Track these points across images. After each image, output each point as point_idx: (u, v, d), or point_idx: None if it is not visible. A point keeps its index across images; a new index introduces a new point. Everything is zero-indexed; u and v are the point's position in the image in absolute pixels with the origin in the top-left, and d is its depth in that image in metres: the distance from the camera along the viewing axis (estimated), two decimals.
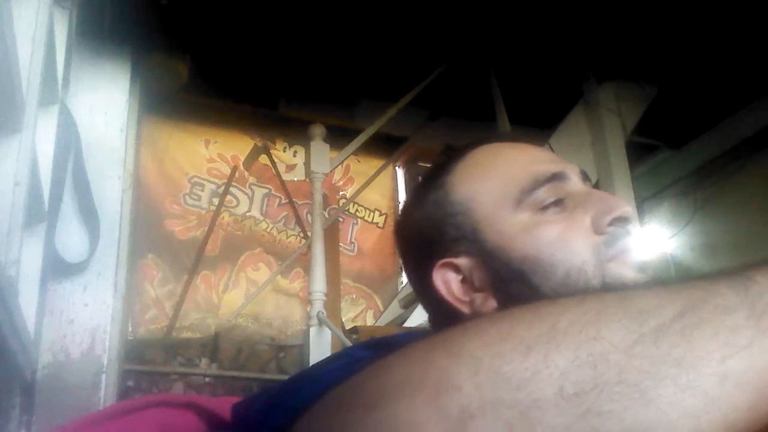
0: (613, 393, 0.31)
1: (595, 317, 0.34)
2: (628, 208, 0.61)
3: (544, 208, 0.61)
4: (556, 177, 0.63)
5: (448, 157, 0.69)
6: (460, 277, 0.63)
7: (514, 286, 0.60)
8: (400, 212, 0.72)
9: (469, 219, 0.63)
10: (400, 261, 0.73)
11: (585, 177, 0.66)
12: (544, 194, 0.62)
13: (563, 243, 0.59)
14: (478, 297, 0.62)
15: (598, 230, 0.60)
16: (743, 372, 0.31)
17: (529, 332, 0.34)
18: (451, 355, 0.33)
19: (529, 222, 0.61)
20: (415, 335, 0.44)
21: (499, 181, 0.64)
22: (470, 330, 0.35)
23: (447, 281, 0.63)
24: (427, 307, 0.69)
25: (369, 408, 0.33)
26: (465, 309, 0.62)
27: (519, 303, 0.59)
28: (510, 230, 0.61)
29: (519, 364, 0.32)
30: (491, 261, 0.61)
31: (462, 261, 0.63)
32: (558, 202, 0.61)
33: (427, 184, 0.69)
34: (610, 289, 0.56)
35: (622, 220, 0.60)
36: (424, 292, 0.65)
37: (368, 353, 0.46)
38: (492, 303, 0.61)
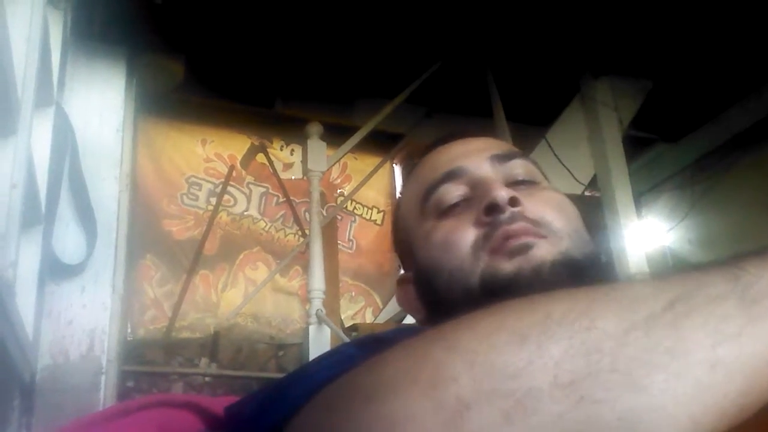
0: (607, 381, 0.31)
1: (588, 307, 0.34)
2: (497, 193, 0.59)
3: (445, 210, 0.62)
4: (449, 176, 0.63)
5: (406, 172, 0.74)
6: (413, 289, 0.66)
7: (426, 293, 0.63)
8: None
9: (405, 234, 0.67)
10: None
11: (499, 159, 0.64)
12: (441, 196, 0.63)
13: (446, 245, 0.60)
14: (422, 306, 0.65)
15: (478, 223, 0.59)
16: (734, 359, 0.32)
17: (522, 323, 0.34)
18: (446, 348, 0.34)
19: (429, 229, 0.63)
20: (406, 332, 0.44)
21: (411, 194, 0.67)
22: (464, 323, 0.36)
23: (406, 293, 0.67)
24: None
25: (365, 401, 0.33)
26: (417, 318, 0.66)
27: (432, 310, 0.62)
28: (418, 240, 0.64)
29: (513, 354, 0.32)
30: (416, 271, 0.65)
31: (410, 274, 0.66)
32: (463, 201, 0.62)
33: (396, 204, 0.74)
34: (486, 284, 0.56)
35: (493, 209, 0.59)
36: None
37: (359, 351, 0.46)
38: (424, 312, 0.64)
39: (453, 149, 0.68)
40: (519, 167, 0.65)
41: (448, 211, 0.62)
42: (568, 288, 0.37)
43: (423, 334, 0.36)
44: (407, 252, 0.67)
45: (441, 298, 0.60)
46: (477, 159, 0.64)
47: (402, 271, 0.72)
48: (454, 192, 0.62)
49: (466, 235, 0.59)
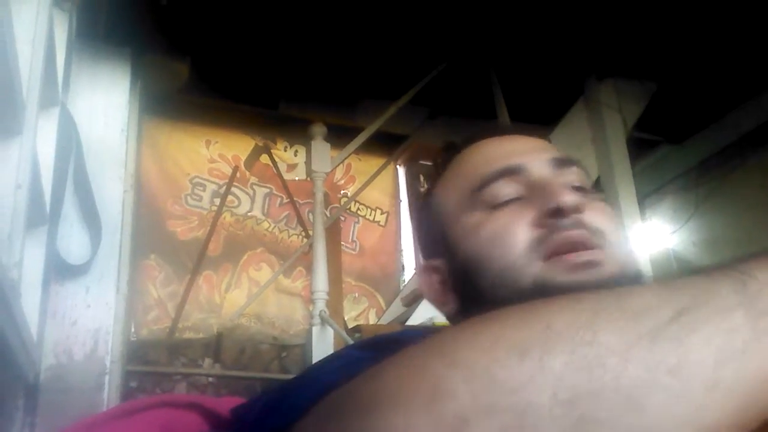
0: (608, 400, 0.30)
1: (591, 318, 0.33)
2: (566, 198, 0.57)
3: (497, 206, 0.60)
4: (508, 172, 0.62)
5: (444, 158, 0.71)
6: (440, 279, 0.65)
7: (464, 285, 0.61)
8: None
9: (441, 222, 0.65)
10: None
11: (559, 164, 0.63)
12: (496, 191, 0.61)
13: (500, 239, 0.58)
14: (450, 298, 0.64)
15: (537, 224, 0.58)
16: (735, 379, 0.31)
17: (523, 335, 0.33)
18: (445, 360, 0.33)
19: (478, 221, 0.61)
20: (413, 334, 0.43)
21: (459, 183, 0.65)
22: (464, 334, 0.35)
23: (429, 282, 0.65)
24: None
25: (364, 414, 0.33)
26: (443, 309, 0.65)
27: (471, 303, 0.60)
28: (463, 231, 0.62)
29: (513, 368, 0.31)
30: (453, 262, 0.63)
31: (440, 263, 0.65)
32: (516, 199, 0.60)
33: (427, 189, 0.72)
34: (539, 289, 0.54)
35: (559, 213, 0.57)
36: None
37: (366, 354, 0.46)
38: (456, 304, 0.63)
39: (509, 144, 0.66)
40: (575, 174, 0.64)
41: (501, 206, 0.60)
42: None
43: (422, 344, 0.36)
44: (439, 240, 0.65)
45: (484, 294, 0.58)
46: (537, 159, 0.63)
47: (423, 260, 0.70)
48: (508, 189, 0.61)
49: (521, 233, 0.57)
